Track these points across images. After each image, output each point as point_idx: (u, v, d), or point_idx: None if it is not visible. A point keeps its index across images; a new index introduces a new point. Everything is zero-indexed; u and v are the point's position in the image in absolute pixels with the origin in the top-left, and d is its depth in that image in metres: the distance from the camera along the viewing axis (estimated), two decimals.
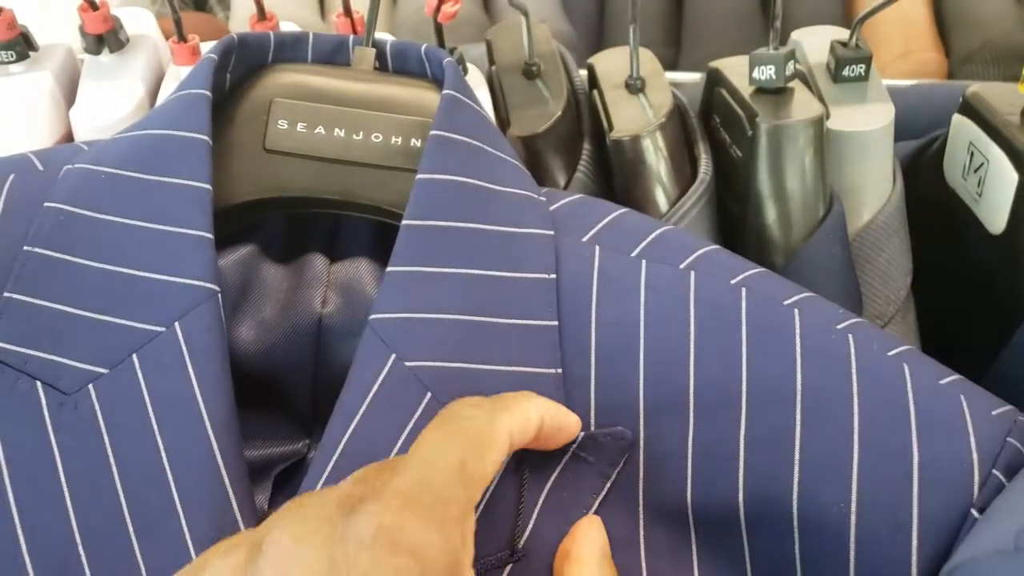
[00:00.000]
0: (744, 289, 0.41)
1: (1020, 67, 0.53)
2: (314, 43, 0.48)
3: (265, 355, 0.46)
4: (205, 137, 0.42)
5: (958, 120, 0.57)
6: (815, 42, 0.58)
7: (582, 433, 0.39)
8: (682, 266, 0.42)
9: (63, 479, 0.38)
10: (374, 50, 0.47)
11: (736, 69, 0.54)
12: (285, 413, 0.47)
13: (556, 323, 0.40)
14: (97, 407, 0.39)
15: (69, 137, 0.56)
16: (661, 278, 0.42)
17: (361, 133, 0.45)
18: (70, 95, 0.58)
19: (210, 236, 0.40)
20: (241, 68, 0.46)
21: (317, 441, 0.47)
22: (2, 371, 0.39)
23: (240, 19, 1.02)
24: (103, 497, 0.37)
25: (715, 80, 0.56)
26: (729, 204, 0.54)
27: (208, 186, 0.41)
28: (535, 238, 0.42)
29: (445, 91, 0.44)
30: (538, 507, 0.38)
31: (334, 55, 0.48)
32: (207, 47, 0.45)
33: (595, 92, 0.57)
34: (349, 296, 0.47)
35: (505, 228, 0.42)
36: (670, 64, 1.02)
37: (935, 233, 0.59)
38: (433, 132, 0.43)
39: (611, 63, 0.58)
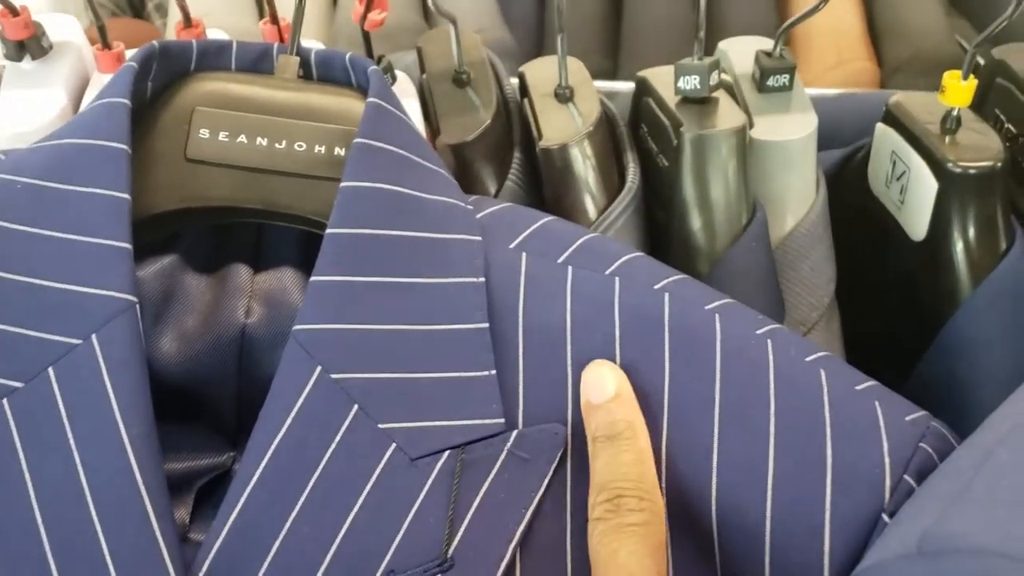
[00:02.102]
0: (667, 294, 0.41)
1: None
2: (237, 51, 0.47)
3: (187, 367, 0.45)
4: (124, 146, 0.41)
5: (881, 129, 0.58)
6: (742, 52, 0.59)
7: (515, 432, 0.39)
8: (607, 272, 0.42)
9: None
10: (298, 58, 0.47)
11: (663, 79, 0.55)
12: (209, 425, 0.46)
13: (487, 325, 0.41)
14: (11, 422, 0.38)
15: None
16: (587, 283, 0.42)
17: (284, 142, 0.45)
18: None
19: (128, 247, 0.40)
20: (163, 76, 0.46)
21: (241, 453, 0.46)
22: None
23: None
24: (18, 514, 0.37)
25: (643, 89, 0.57)
26: (656, 212, 0.55)
27: (127, 196, 0.41)
28: (463, 244, 0.42)
29: (369, 99, 0.44)
30: (471, 511, 0.38)
31: (258, 63, 0.48)
32: (132, 54, 0.44)
33: (526, 100, 0.57)
34: (273, 307, 0.46)
35: (432, 235, 0.42)
36: (609, 74, 1.02)
37: (860, 240, 0.60)
38: (357, 140, 0.42)
39: (541, 72, 0.58)
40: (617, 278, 0.42)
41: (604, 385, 0.39)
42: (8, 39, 0.54)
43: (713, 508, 0.38)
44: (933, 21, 1.01)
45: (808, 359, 0.40)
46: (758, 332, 0.41)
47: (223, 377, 0.46)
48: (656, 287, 0.42)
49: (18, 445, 0.38)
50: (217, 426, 0.47)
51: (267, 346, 0.46)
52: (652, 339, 0.40)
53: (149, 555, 0.36)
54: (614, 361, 0.40)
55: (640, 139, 0.57)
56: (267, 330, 0.46)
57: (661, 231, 0.54)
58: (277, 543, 0.37)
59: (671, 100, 0.53)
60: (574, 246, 0.44)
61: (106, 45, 0.55)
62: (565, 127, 0.53)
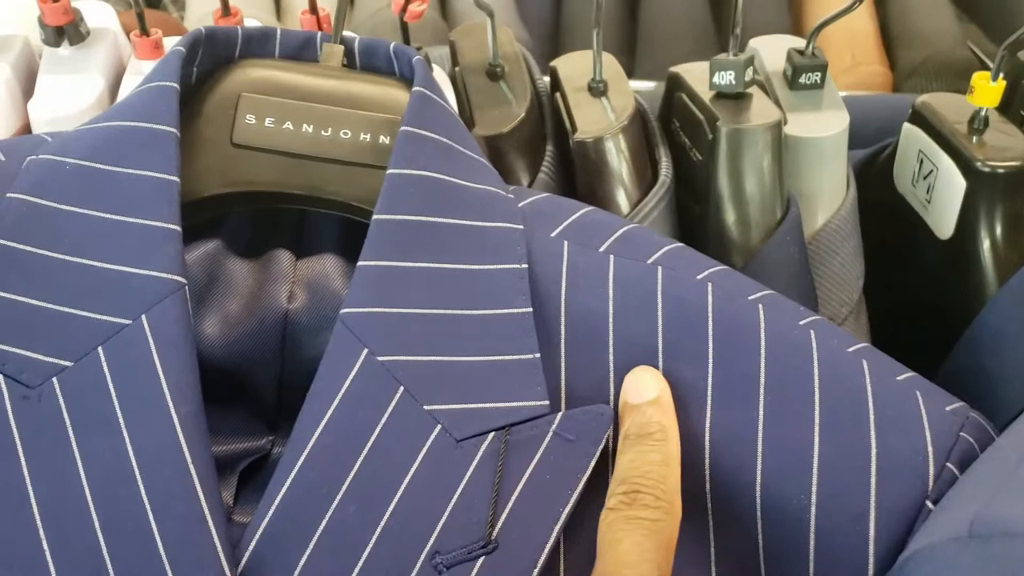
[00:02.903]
0: (710, 284, 0.42)
1: (961, 81, 0.54)
2: (282, 39, 0.48)
3: (230, 350, 0.45)
4: (173, 129, 0.42)
5: (908, 129, 0.59)
6: (772, 50, 0.59)
7: (560, 414, 0.39)
8: (649, 261, 0.43)
9: (27, 475, 0.37)
10: (343, 47, 0.47)
11: (696, 74, 0.56)
12: (249, 409, 0.47)
13: (531, 310, 0.41)
14: (62, 401, 0.38)
15: (26, 130, 0.55)
16: (629, 272, 0.43)
17: (329, 129, 0.45)
18: (27, 87, 0.57)
19: (178, 228, 0.40)
20: (208, 62, 0.46)
21: (282, 437, 0.47)
22: None
23: (196, 17, 1.01)
24: (68, 493, 0.37)
25: (675, 85, 0.57)
26: (689, 206, 0.55)
27: (176, 178, 0.41)
28: (506, 232, 0.43)
29: (415, 88, 0.44)
30: (516, 493, 0.38)
31: (301, 51, 0.48)
32: (170, 42, 0.45)
33: (557, 94, 0.58)
34: (316, 292, 0.47)
35: (476, 222, 0.42)
36: (626, 72, 1.03)
37: (886, 238, 0.61)
38: (403, 128, 0.43)
39: (574, 66, 0.58)
40: (660, 267, 0.43)
41: (645, 388, 0.40)
42: (47, 25, 0.55)
43: (758, 494, 0.38)
44: (945, 27, 1.02)
45: (850, 350, 0.41)
46: (801, 323, 0.41)
47: (265, 362, 0.46)
48: (699, 277, 0.42)
49: (68, 423, 0.38)
50: (257, 410, 0.47)
51: (309, 331, 0.46)
52: (695, 327, 0.41)
53: (198, 533, 0.36)
54: (656, 349, 0.41)
55: (672, 134, 0.57)
56: (309, 315, 0.46)
57: (694, 225, 0.55)
58: (323, 523, 0.37)
59: (705, 95, 0.54)
60: (615, 235, 0.44)
61: (144, 32, 0.55)
62: (599, 121, 0.54)
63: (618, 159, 0.53)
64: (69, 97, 0.54)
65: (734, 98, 0.53)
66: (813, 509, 0.38)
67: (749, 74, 0.53)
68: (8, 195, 0.41)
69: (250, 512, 0.40)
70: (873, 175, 0.63)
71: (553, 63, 0.60)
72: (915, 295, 0.61)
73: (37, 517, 0.36)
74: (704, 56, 0.55)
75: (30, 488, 0.37)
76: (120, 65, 0.58)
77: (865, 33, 1.02)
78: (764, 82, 0.58)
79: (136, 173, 0.41)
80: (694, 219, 0.55)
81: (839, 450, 0.38)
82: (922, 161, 0.58)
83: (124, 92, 0.55)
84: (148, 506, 0.36)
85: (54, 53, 0.56)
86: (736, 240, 0.52)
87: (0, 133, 0.54)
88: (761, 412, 0.39)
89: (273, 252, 0.47)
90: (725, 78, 0.52)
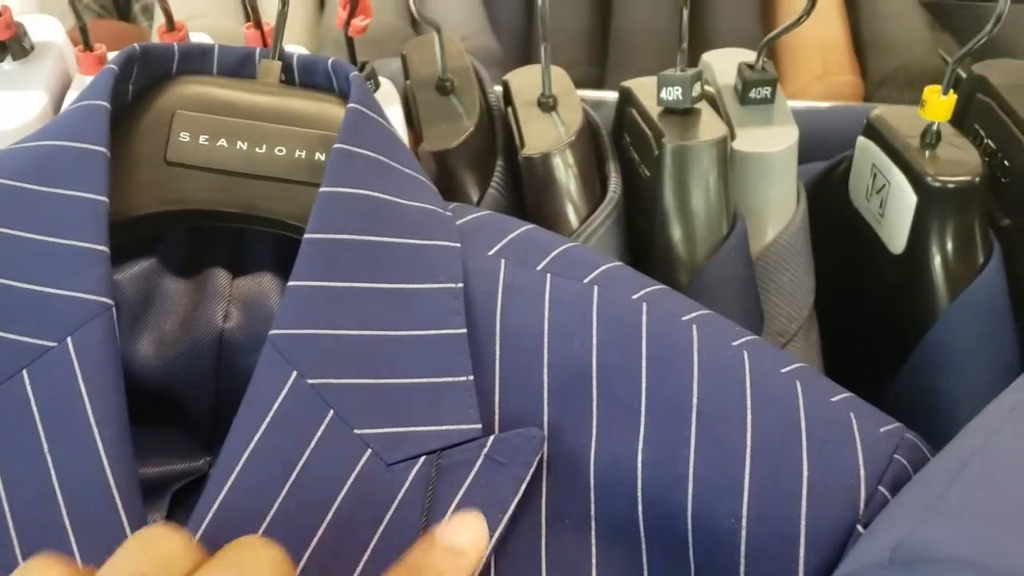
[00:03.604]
0: (645, 304, 0.42)
1: None
2: (220, 55, 0.47)
3: (165, 370, 0.45)
4: (102, 149, 0.41)
5: (862, 142, 0.58)
6: (725, 64, 0.59)
7: (492, 437, 0.39)
8: (585, 280, 0.42)
9: None
10: (280, 63, 0.47)
11: (646, 89, 0.55)
12: (185, 430, 0.46)
13: (464, 331, 0.40)
14: None
15: None
16: (565, 291, 0.42)
17: (264, 146, 0.45)
18: None
19: (105, 249, 0.40)
20: (144, 79, 0.46)
21: (217, 458, 0.46)
22: None
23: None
24: None
25: (626, 100, 0.57)
26: (638, 222, 0.55)
27: (104, 198, 0.40)
28: (441, 250, 0.42)
29: (350, 104, 0.44)
30: (447, 517, 0.38)
31: (240, 67, 0.47)
32: (113, 57, 0.44)
33: (509, 109, 0.57)
34: (252, 311, 0.46)
35: (410, 240, 0.42)
36: (596, 84, 1.03)
37: (841, 252, 0.61)
38: (337, 146, 0.42)
39: (526, 80, 0.58)
40: (596, 287, 0.42)
41: (458, 534, 0.36)
42: None
43: (689, 516, 0.38)
44: (917, 35, 1.01)
45: (784, 370, 0.40)
46: (734, 343, 0.41)
47: (200, 381, 0.46)
48: (634, 297, 0.42)
49: None
50: (194, 431, 0.47)
51: (245, 351, 0.46)
52: (629, 348, 0.40)
53: None
54: (591, 369, 0.40)
55: (623, 149, 0.57)
56: (245, 335, 0.46)
57: (642, 241, 0.54)
58: None
59: (654, 111, 0.53)
60: (553, 254, 0.44)
61: (88, 47, 0.55)
62: (548, 136, 0.53)
63: (566, 175, 0.53)
64: (11, 113, 0.54)
65: (681, 113, 0.53)
66: (744, 532, 0.37)
67: (697, 89, 0.52)
68: None
69: None
70: (830, 188, 0.62)
71: (505, 77, 0.59)
72: (869, 309, 0.60)
73: None
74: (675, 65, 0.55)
75: None
76: (66, 80, 0.58)
77: (836, 41, 1.02)
78: (715, 96, 0.57)
79: (64, 193, 0.41)
80: (641, 235, 0.54)
81: (770, 472, 0.38)
82: (875, 175, 0.57)
83: (67, 107, 0.55)
84: (70, 531, 0.36)
85: None
86: (682, 257, 0.52)
87: None
88: (693, 434, 0.38)
89: (209, 270, 0.47)
90: (672, 93, 0.52)
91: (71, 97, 0.56)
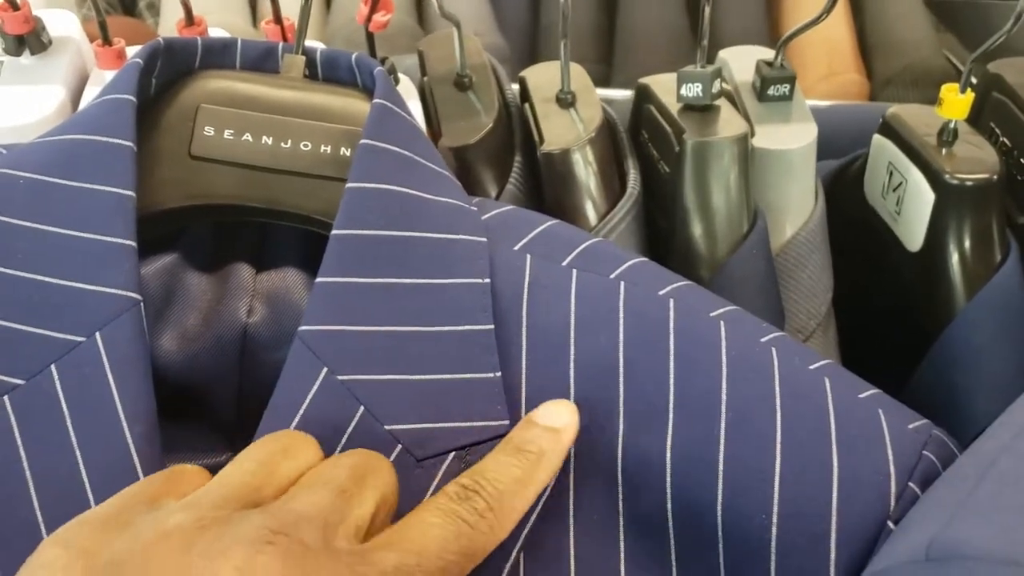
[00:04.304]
0: (672, 300, 0.42)
1: (938, 90, 0.54)
2: (243, 49, 0.47)
3: (188, 365, 0.45)
4: (129, 143, 0.41)
5: (878, 140, 0.58)
6: (741, 61, 0.59)
7: None
8: (612, 276, 0.42)
9: None
10: (304, 58, 0.47)
11: (664, 86, 0.55)
12: (208, 425, 0.46)
13: (492, 327, 0.40)
14: (13, 420, 0.37)
15: None
16: (591, 286, 0.42)
17: (289, 141, 0.45)
18: None
19: (133, 244, 0.40)
20: (167, 73, 0.46)
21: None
22: None
23: (170, 25, 1.00)
24: (19, 514, 0.36)
25: (644, 96, 0.57)
26: (657, 219, 0.55)
27: (131, 193, 0.40)
28: (467, 244, 0.42)
29: (376, 100, 0.44)
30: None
31: (263, 62, 0.47)
32: (133, 51, 0.44)
33: (527, 105, 0.57)
34: (276, 306, 0.46)
35: (437, 235, 0.42)
36: (602, 81, 1.02)
37: (856, 250, 0.61)
38: (363, 141, 0.42)
39: (543, 77, 0.58)
40: (622, 282, 0.42)
41: (552, 416, 0.39)
42: (7, 33, 0.54)
43: (719, 513, 0.38)
44: (922, 36, 1.02)
45: (812, 367, 0.40)
46: (762, 340, 0.41)
47: (223, 377, 0.46)
48: (661, 292, 0.42)
49: (19, 443, 0.37)
50: (217, 425, 0.46)
51: (269, 346, 0.46)
52: (656, 344, 0.40)
53: None
54: (617, 365, 0.40)
55: (640, 145, 0.57)
56: (269, 330, 0.46)
57: (662, 238, 0.54)
58: None
59: (673, 107, 0.53)
60: (579, 249, 0.44)
61: (107, 41, 0.55)
62: (567, 132, 0.53)
63: (585, 171, 0.53)
64: (29, 107, 0.53)
65: (701, 110, 0.53)
66: (774, 529, 0.37)
67: (716, 86, 0.52)
68: None
69: None
70: (845, 186, 0.63)
71: (522, 73, 0.59)
72: (886, 307, 0.60)
73: None
74: (682, 65, 0.55)
75: None
76: (83, 75, 0.57)
77: (842, 42, 1.02)
78: (733, 93, 0.57)
79: (91, 187, 0.41)
80: (661, 232, 0.54)
81: (800, 469, 0.38)
82: (891, 173, 0.57)
83: (86, 102, 0.55)
84: None
85: (15, 62, 0.55)
86: (702, 253, 0.52)
87: None
88: (722, 431, 0.39)
89: (233, 265, 0.47)
90: (692, 90, 0.52)
91: (90, 92, 0.56)
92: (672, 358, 0.40)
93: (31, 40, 0.54)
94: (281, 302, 0.46)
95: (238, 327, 0.46)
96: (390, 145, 0.43)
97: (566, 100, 0.55)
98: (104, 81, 0.55)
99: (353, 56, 0.47)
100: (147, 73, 0.44)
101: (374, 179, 0.42)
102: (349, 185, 0.41)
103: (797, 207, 0.55)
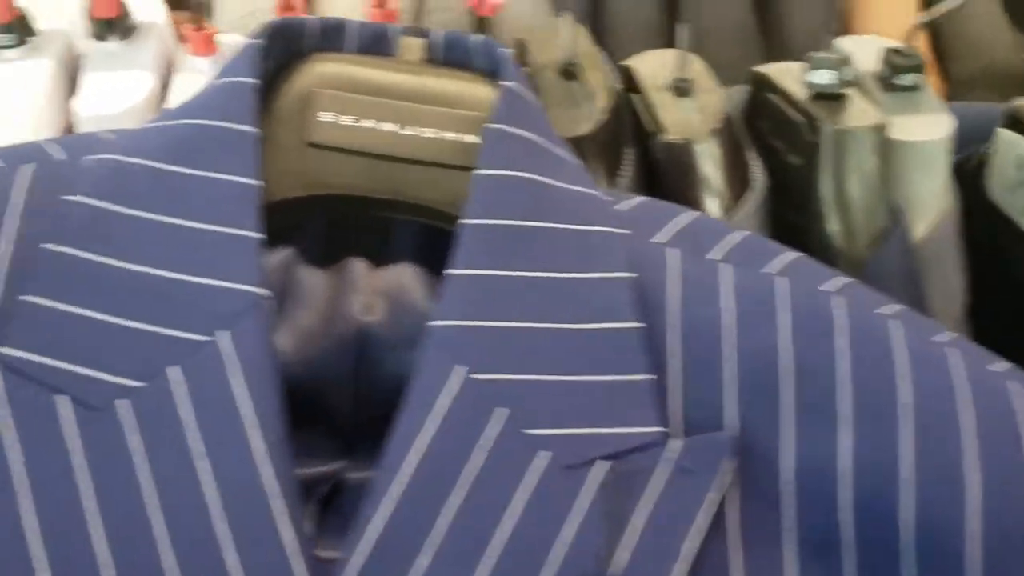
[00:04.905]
0: (837, 297, 0.39)
1: (1017, 91, 0.52)
2: (355, 31, 0.44)
3: (304, 367, 0.42)
4: (253, 129, 0.39)
5: (1006, 135, 0.55)
6: (860, 50, 0.56)
7: (676, 441, 0.36)
8: (766, 270, 0.40)
9: (91, 506, 0.34)
10: (424, 40, 0.44)
11: (786, 74, 0.53)
12: (322, 430, 0.43)
13: (641, 325, 0.37)
14: (129, 425, 0.35)
15: (69, 129, 0.52)
16: (746, 282, 0.39)
17: (411, 127, 0.42)
18: (69, 85, 0.53)
19: (259, 237, 0.37)
20: (279, 56, 0.43)
21: (356, 461, 0.43)
22: (23, 384, 0.35)
23: (228, 21, 0.97)
24: (134, 526, 0.33)
25: (762, 85, 0.54)
26: (784, 213, 0.52)
27: (256, 182, 0.38)
28: (606, 236, 0.39)
29: (505, 83, 0.41)
30: (632, 526, 0.35)
31: (375, 45, 0.44)
32: (252, 31, 0.41)
33: (635, 95, 0.55)
34: (394, 304, 0.43)
35: (573, 226, 0.39)
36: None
37: (975, 249, 0.58)
38: (492, 126, 0.40)
39: (651, 65, 0.55)
40: (779, 277, 0.39)
41: None
42: (96, 17, 0.51)
43: (907, 527, 0.35)
44: (1001, 36, 0.99)
45: (994, 369, 0.38)
46: (938, 339, 0.38)
47: (339, 378, 0.43)
48: (823, 288, 0.39)
49: (136, 450, 0.34)
50: (330, 431, 0.43)
51: (389, 345, 0.43)
52: (823, 343, 0.37)
53: (279, 573, 0.33)
54: (778, 366, 0.37)
55: (759, 136, 0.54)
56: (388, 329, 0.43)
57: (792, 232, 0.51)
58: (425, 559, 0.34)
59: (801, 96, 0.50)
60: (728, 242, 0.41)
61: (200, 26, 0.52)
62: (687, 122, 0.51)
63: (709, 162, 0.50)
64: (117, 95, 0.51)
65: (832, 99, 0.50)
66: (975, 543, 0.34)
67: (848, 73, 0.50)
68: (67, 197, 0.38)
69: (334, 546, 0.37)
70: (962, 183, 0.60)
71: (627, 62, 0.57)
72: (1010, 309, 0.57)
73: (102, 549, 0.33)
74: (752, 63, 0.53)
75: (94, 519, 0.33)
76: (169, 61, 0.55)
77: (916, 44, 0.99)
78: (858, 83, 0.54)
79: (214, 176, 0.38)
80: (790, 226, 0.51)
81: (999, 478, 0.35)
82: (1020, 167, 0.54)
83: (177, 90, 0.52)
84: (223, 541, 0.33)
85: (101, 48, 0.53)
86: (841, 249, 0.49)
87: (42, 133, 0.51)
88: (908, 437, 0.35)
89: (346, 260, 0.44)
90: (824, 77, 0.49)
91: (181, 79, 0.53)
92: (842, 359, 0.37)
93: (119, 25, 0.52)
94: (399, 299, 0.43)
95: (355, 326, 0.43)
96: (520, 130, 0.40)
97: (683, 89, 0.52)
98: (193, 68, 0.53)
99: (476, 39, 0.44)
100: (263, 56, 0.41)
101: (505, 166, 0.39)
102: (479, 172, 0.39)
103: (932, 203, 0.52)
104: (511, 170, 0.39)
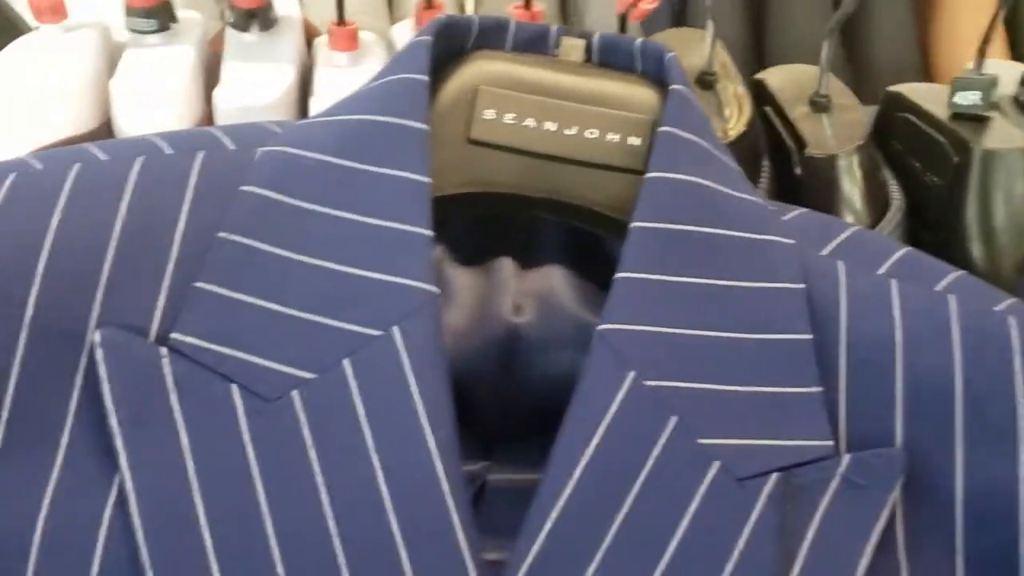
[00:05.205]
0: (1011, 318, 0.38)
1: None
2: (515, 30, 0.44)
3: (455, 365, 0.42)
4: (424, 126, 0.38)
5: None
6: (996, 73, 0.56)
7: (848, 456, 0.35)
8: (937, 288, 0.39)
9: (262, 497, 0.33)
10: (584, 41, 0.44)
11: (924, 94, 0.53)
12: (464, 429, 0.43)
13: (811, 337, 0.37)
14: (302, 417, 0.34)
15: (208, 120, 0.52)
16: (916, 299, 0.39)
17: (574, 128, 0.42)
18: (207, 73, 0.53)
19: (429, 233, 0.36)
20: (442, 52, 0.43)
21: (497, 463, 0.43)
22: (194, 371, 0.34)
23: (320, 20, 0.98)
24: (308, 519, 0.33)
25: (897, 105, 0.54)
26: (917, 231, 0.51)
27: (427, 179, 0.37)
28: (776, 246, 0.39)
29: (675, 87, 0.40)
30: (807, 543, 0.34)
31: (534, 44, 0.44)
32: (423, 28, 0.41)
33: (769, 109, 0.54)
34: (544, 306, 0.43)
35: (744, 234, 0.39)
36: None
37: None
38: (664, 128, 0.39)
39: (784, 80, 0.55)
40: (950, 296, 0.39)
41: None
42: (237, 7, 0.51)
43: None
44: None
45: None
46: None
47: (487, 379, 0.43)
48: (997, 308, 0.39)
49: (308, 442, 0.34)
50: (471, 430, 0.43)
51: (539, 347, 0.42)
52: (999, 364, 0.37)
53: (453, 573, 0.33)
54: (952, 387, 0.37)
55: (893, 157, 0.54)
56: (537, 331, 0.43)
57: (924, 251, 0.51)
58: (592, 567, 0.33)
59: (942, 116, 0.50)
60: (894, 258, 0.41)
61: (342, 21, 0.52)
62: (828, 137, 0.50)
63: (851, 180, 0.49)
64: (259, 87, 0.51)
65: (976, 120, 0.49)
66: None
67: (993, 95, 0.49)
68: (243, 188, 0.38)
69: (496, 548, 0.36)
70: None
71: (759, 76, 0.56)
72: None
73: (272, 542, 0.33)
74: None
75: (266, 511, 0.33)
76: (305, 55, 0.55)
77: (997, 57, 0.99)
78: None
79: (385, 172, 0.38)
80: (927, 247, 0.51)
81: None
82: None
83: (320, 85, 0.52)
84: (398, 539, 0.33)
85: (240, 39, 0.53)
86: (984, 273, 0.48)
87: (183, 122, 0.51)
88: None
89: (496, 260, 0.44)
90: (969, 98, 0.49)
91: (322, 74, 0.53)
92: (1021, 380, 0.37)
93: (261, 15, 0.52)
94: (548, 301, 0.43)
95: (506, 327, 0.43)
96: (689, 134, 0.40)
97: (822, 104, 0.52)
98: (333, 62, 0.53)
99: (636, 41, 0.44)
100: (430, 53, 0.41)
101: (676, 169, 0.39)
102: (650, 175, 0.38)
103: None
104: (681, 174, 0.39)
